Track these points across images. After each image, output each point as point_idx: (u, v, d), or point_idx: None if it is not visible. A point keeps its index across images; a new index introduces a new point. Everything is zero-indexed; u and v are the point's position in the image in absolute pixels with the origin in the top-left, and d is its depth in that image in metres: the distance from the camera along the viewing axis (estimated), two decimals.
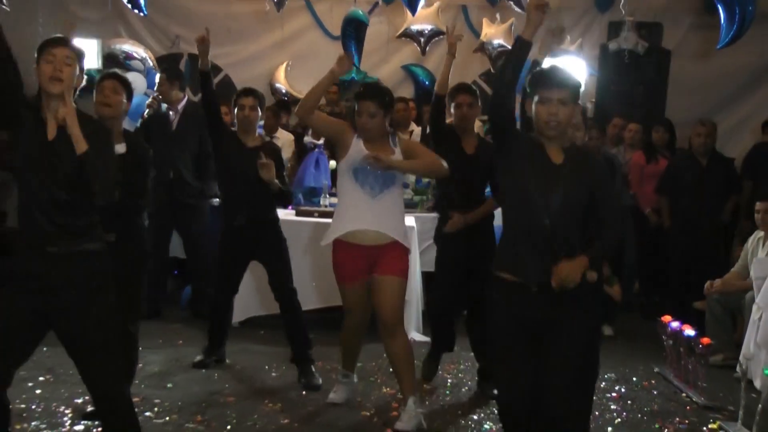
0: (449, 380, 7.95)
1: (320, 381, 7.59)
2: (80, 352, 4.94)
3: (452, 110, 7.61)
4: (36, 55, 4.87)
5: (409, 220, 8.22)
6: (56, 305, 4.84)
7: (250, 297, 9.23)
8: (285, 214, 9.40)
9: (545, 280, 4.80)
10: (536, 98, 4.88)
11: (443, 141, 7.46)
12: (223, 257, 7.84)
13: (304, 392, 7.38)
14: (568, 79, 4.92)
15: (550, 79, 4.88)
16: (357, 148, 6.49)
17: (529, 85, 4.97)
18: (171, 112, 9.58)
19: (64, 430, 6.28)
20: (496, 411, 6.51)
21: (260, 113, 7.88)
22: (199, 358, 7.90)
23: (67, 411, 6.51)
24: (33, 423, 6.43)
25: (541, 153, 4.94)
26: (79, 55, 5.65)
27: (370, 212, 6.48)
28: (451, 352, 8.00)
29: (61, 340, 4.96)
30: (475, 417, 6.99)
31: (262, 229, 7.70)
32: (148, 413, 6.73)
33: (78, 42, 9.56)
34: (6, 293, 4.92)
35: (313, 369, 7.71)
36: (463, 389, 7.69)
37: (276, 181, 7.22)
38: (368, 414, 6.95)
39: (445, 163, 6.55)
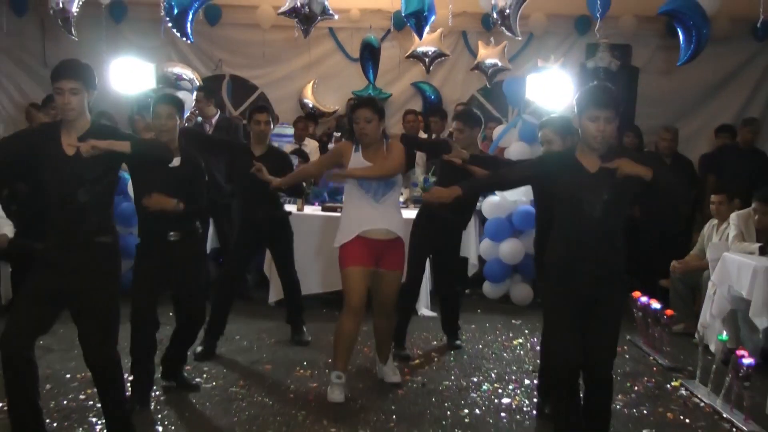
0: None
1: (309, 338, 8.09)
2: (86, 323, 5.06)
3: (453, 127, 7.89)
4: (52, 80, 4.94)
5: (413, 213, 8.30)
6: (74, 285, 4.97)
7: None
8: (312, 209, 9.51)
9: (593, 269, 4.95)
10: (585, 115, 4.89)
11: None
12: (242, 245, 7.95)
13: (329, 361, 7.40)
14: (614, 99, 4.90)
15: (598, 100, 4.88)
16: (357, 160, 6.55)
17: (579, 102, 4.95)
18: (206, 125, 9.63)
19: (71, 395, 6.41)
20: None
21: (272, 127, 7.95)
22: (200, 349, 7.45)
23: (75, 378, 6.66)
24: (47, 386, 6.52)
25: (578, 167, 4.99)
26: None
27: (377, 213, 6.54)
28: None
29: (74, 314, 5.10)
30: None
31: (273, 222, 7.88)
32: (198, 379, 6.85)
33: (136, 66, 9.76)
34: (33, 276, 5.06)
35: (304, 329, 8.18)
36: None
37: (274, 179, 7.10)
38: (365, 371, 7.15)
39: (394, 169, 6.55)
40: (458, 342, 8.14)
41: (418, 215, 8.01)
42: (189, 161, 6.40)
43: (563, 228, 5.10)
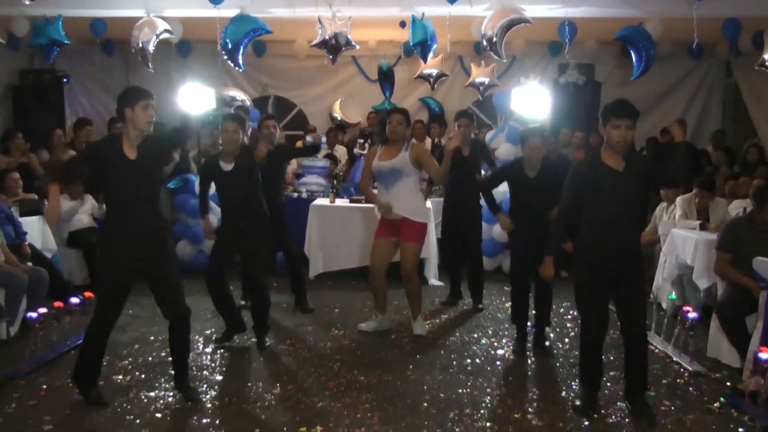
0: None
1: (312, 307, 8.01)
2: (160, 288, 5.20)
3: (456, 128, 7.94)
4: (131, 100, 5.00)
5: (427, 203, 8.28)
6: (145, 263, 5.10)
7: (320, 259, 9.32)
8: (341, 202, 9.50)
9: (621, 248, 5.01)
10: (609, 124, 4.92)
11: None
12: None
13: (358, 322, 7.46)
14: (632, 110, 4.94)
15: (621, 111, 4.91)
16: (375, 162, 6.97)
17: (604, 113, 4.99)
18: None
19: (154, 353, 6.47)
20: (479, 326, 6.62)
21: (278, 131, 8.03)
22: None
23: (158, 340, 6.64)
24: (136, 346, 6.70)
25: (604, 169, 4.99)
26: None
27: (389, 198, 6.90)
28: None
29: (149, 284, 5.21)
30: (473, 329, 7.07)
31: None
32: (254, 339, 6.87)
33: (199, 90, 9.76)
34: (111, 262, 5.11)
35: (307, 299, 8.08)
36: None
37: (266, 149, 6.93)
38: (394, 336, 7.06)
39: (440, 177, 7.00)
40: (480, 306, 8.12)
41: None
42: (242, 165, 6.56)
43: (595, 217, 5.08)
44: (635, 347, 5.17)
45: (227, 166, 6.61)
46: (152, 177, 5.14)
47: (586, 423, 5.09)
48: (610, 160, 5.01)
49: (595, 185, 5.02)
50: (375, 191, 7.31)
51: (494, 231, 9.58)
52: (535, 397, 5.52)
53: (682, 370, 6.17)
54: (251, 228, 6.65)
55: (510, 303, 6.92)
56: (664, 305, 7.56)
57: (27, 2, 6.74)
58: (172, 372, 5.49)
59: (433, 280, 9.25)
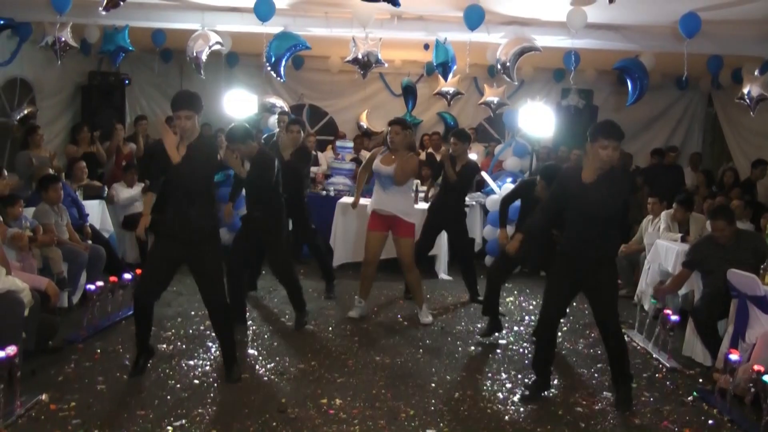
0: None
1: (334, 294, 7.96)
2: (202, 276, 5.06)
3: (450, 142, 8.00)
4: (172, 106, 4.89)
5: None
6: (191, 249, 4.98)
7: (343, 250, 9.29)
8: (365, 201, 9.44)
9: (591, 254, 4.90)
10: (597, 144, 4.72)
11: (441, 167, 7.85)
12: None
13: (375, 309, 7.47)
14: (620, 132, 4.76)
15: (609, 133, 4.71)
16: (376, 163, 6.96)
17: (592, 132, 4.78)
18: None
19: (194, 326, 6.47)
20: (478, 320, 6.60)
21: (302, 135, 7.78)
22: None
23: (198, 315, 6.62)
24: (178, 320, 6.73)
25: (580, 182, 4.84)
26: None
27: (384, 198, 6.90)
28: None
29: (192, 271, 5.09)
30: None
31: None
32: (282, 319, 6.93)
33: (244, 97, 9.77)
34: (157, 245, 5.15)
35: (333, 286, 8.06)
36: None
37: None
38: (401, 318, 7.03)
39: (401, 178, 6.78)
40: (480, 298, 8.05)
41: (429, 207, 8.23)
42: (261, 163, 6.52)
43: (570, 223, 4.99)
44: (611, 343, 5.12)
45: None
46: (197, 176, 4.91)
47: (577, 409, 5.06)
48: (587, 176, 4.82)
49: (572, 195, 4.90)
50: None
51: (485, 232, 9.58)
52: (530, 382, 5.47)
53: (660, 365, 6.12)
54: (264, 219, 6.56)
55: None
56: (646, 307, 7.50)
57: (102, 12, 6.73)
58: (209, 343, 5.47)
59: (443, 275, 9.20)
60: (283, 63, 8.50)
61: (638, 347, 6.63)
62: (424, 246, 8.03)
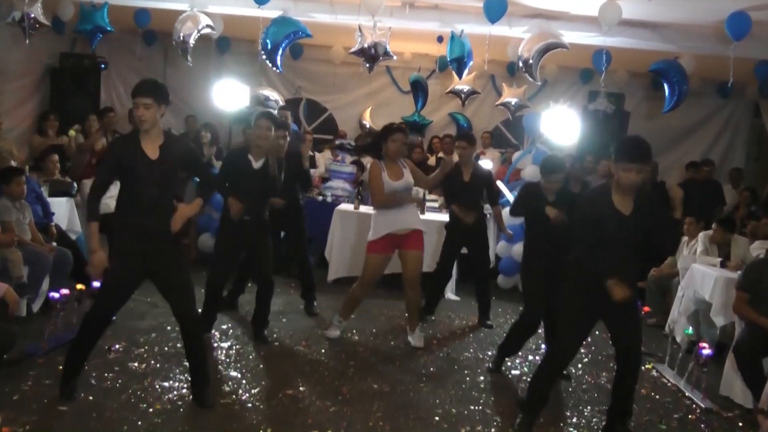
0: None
1: (318, 311, 7.90)
2: (171, 289, 5.01)
3: (455, 151, 8.01)
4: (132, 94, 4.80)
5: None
6: (153, 266, 4.89)
7: (340, 263, 9.24)
8: (366, 209, 9.41)
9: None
10: (620, 166, 4.65)
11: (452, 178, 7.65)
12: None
13: (374, 330, 7.43)
14: (646, 153, 4.68)
15: (633, 155, 4.64)
16: (388, 182, 6.73)
17: (617, 152, 4.70)
18: None
19: (170, 343, 6.29)
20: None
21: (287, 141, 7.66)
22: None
23: (174, 330, 6.54)
24: (153, 335, 6.64)
25: (612, 208, 4.76)
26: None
27: (401, 215, 6.77)
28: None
29: (159, 285, 5.03)
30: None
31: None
32: (269, 338, 6.81)
33: (235, 88, 9.73)
34: (118, 261, 4.90)
35: (315, 303, 7.98)
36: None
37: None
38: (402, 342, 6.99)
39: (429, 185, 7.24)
40: (489, 323, 8.01)
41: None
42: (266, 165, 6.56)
43: (596, 253, 4.84)
44: (629, 378, 5.02)
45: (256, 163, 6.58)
46: (170, 179, 4.89)
47: None
48: (618, 201, 4.76)
49: (600, 224, 4.77)
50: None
51: (513, 250, 9.50)
52: (545, 420, 5.40)
53: (693, 405, 6.06)
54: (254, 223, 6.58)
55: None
56: (678, 339, 7.47)
57: None
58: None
59: (450, 294, 9.16)
60: (281, 52, 8.49)
61: (668, 384, 6.57)
62: (445, 268, 8.11)
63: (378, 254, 6.80)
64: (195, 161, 5.16)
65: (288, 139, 7.51)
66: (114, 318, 5.34)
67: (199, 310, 5.55)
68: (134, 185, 4.80)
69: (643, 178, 4.74)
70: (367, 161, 11.44)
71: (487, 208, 8.40)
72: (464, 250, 8.17)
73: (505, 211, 9.55)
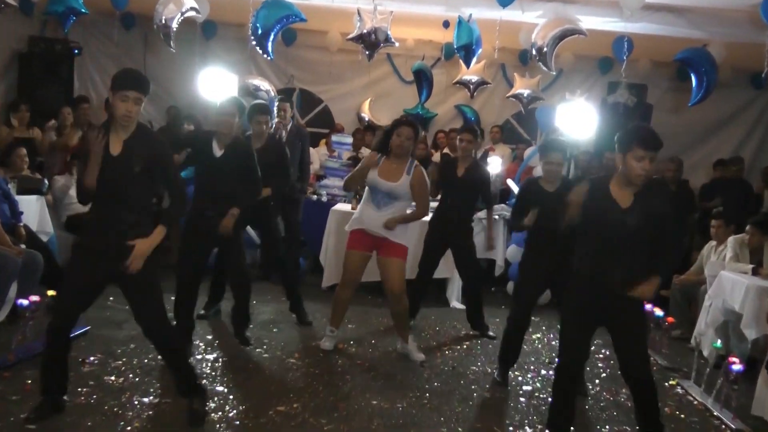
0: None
1: (310, 319, 7.92)
2: (134, 290, 4.92)
3: (457, 144, 7.99)
4: (114, 85, 4.71)
5: None
6: (118, 269, 4.78)
7: (336, 268, 9.23)
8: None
9: (616, 287, 4.79)
10: (631, 154, 4.64)
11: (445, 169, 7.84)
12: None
13: (373, 341, 7.47)
14: (659, 141, 4.67)
15: (648, 142, 4.63)
16: (372, 175, 6.75)
17: (626, 139, 4.68)
18: (282, 131, 9.56)
19: (151, 355, 6.21)
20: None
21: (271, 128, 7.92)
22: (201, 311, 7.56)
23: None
24: (131, 346, 6.62)
25: (609, 199, 4.78)
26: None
27: (376, 216, 6.77)
28: None
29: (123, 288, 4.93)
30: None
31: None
32: (258, 350, 6.85)
33: (222, 76, 9.73)
34: (77, 261, 4.89)
35: (304, 310, 7.96)
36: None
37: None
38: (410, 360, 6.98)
39: (425, 214, 6.97)
40: (491, 333, 8.03)
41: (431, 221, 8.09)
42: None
43: (591, 249, 4.90)
44: (641, 394, 5.00)
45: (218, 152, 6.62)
46: (134, 177, 4.79)
47: None
48: (616, 193, 4.78)
49: (595, 216, 4.81)
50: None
51: (508, 252, 9.54)
52: None
53: (723, 426, 6.06)
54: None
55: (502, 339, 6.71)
56: (705, 353, 7.48)
57: None
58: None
59: (455, 303, 9.18)
60: (272, 37, 8.50)
61: (695, 402, 6.57)
62: (427, 266, 8.07)
63: (352, 250, 6.92)
64: (162, 167, 4.95)
65: (269, 125, 7.56)
66: (89, 327, 5.35)
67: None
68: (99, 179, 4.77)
69: (654, 168, 4.74)
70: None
71: (494, 210, 8.42)
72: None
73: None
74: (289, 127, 9.26)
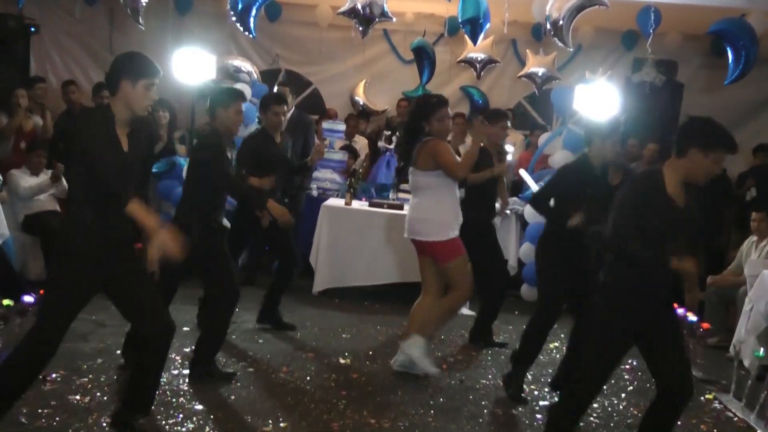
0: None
1: (294, 325, 7.93)
2: (126, 297, 4.90)
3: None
4: (136, 73, 4.71)
5: None
6: (114, 271, 4.80)
7: (328, 271, 9.24)
8: (359, 205, 9.42)
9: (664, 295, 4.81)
10: (714, 155, 4.57)
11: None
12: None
13: (371, 352, 7.45)
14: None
15: (732, 145, 4.61)
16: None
17: (711, 140, 4.58)
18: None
19: (121, 370, 6.21)
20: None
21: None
22: None
23: None
24: (99, 360, 6.61)
25: (666, 198, 4.70)
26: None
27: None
28: None
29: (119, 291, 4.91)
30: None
31: None
32: (242, 363, 6.83)
33: (198, 57, 9.71)
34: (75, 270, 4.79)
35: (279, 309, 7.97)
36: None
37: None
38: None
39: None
40: (499, 341, 8.02)
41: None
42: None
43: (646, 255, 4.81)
44: (673, 414, 4.92)
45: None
46: (137, 173, 4.89)
47: None
48: (673, 190, 4.69)
49: (653, 217, 4.70)
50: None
51: (522, 251, 9.56)
52: None
53: None
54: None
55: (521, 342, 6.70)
56: (746, 363, 7.44)
57: None
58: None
59: (465, 310, 9.14)
60: (254, 12, 8.49)
61: (735, 419, 6.57)
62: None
63: (465, 254, 6.72)
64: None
65: (287, 117, 7.58)
66: None
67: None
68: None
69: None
70: (361, 146, 11.47)
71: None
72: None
73: (528, 208, 9.62)
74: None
